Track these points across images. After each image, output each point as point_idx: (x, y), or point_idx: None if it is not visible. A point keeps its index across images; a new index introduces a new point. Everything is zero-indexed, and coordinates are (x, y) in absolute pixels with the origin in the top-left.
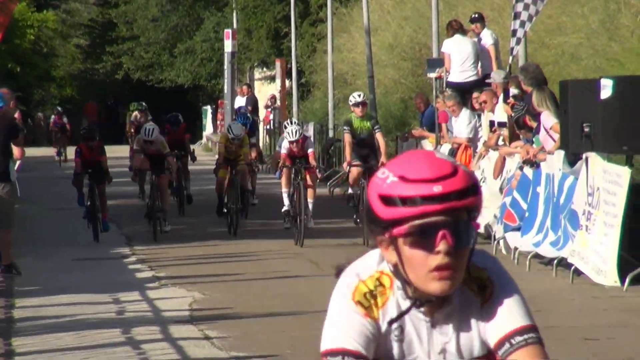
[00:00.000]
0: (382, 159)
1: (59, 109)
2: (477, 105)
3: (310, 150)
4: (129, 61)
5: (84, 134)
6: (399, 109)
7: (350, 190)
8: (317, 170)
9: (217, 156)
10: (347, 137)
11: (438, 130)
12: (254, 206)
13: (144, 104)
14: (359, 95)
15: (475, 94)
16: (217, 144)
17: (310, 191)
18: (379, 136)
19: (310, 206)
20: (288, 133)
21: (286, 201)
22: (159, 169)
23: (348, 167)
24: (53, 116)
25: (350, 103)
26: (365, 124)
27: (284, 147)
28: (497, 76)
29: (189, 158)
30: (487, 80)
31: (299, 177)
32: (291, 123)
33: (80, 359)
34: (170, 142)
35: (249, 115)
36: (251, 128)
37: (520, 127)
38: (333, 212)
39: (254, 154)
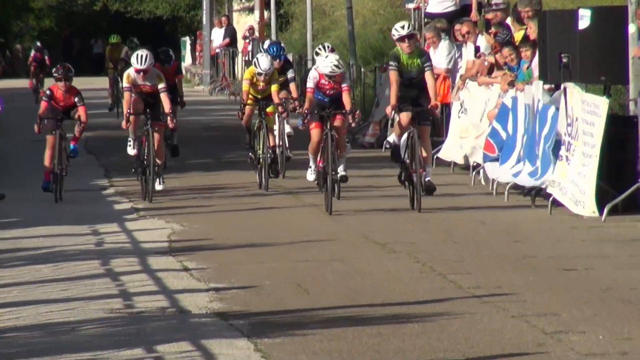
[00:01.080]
0: (433, 101)
1: (39, 44)
2: (459, 38)
3: (345, 86)
4: None
5: (59, 74)
6: (378, 40)
7: (391, 138)
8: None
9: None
10: (394, 76)
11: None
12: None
13: (135, 40)
14: (403, 27)
15: (457, 26)
16: (242, 81)
17: (341, 144)
18: (428, 75)
19: (342, 165)
20: (327, 65)
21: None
22: (155, 113)
23: (393, 112)
24: (33, 51)
25: (394, 37)
26: (415, 60)
27: (313, 81)
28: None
29: (179, 104)
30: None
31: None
32: (325, 48)
33: (59, 291)
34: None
35: (282, 44)
36: (286, 59)
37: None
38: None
39: (284, 94)
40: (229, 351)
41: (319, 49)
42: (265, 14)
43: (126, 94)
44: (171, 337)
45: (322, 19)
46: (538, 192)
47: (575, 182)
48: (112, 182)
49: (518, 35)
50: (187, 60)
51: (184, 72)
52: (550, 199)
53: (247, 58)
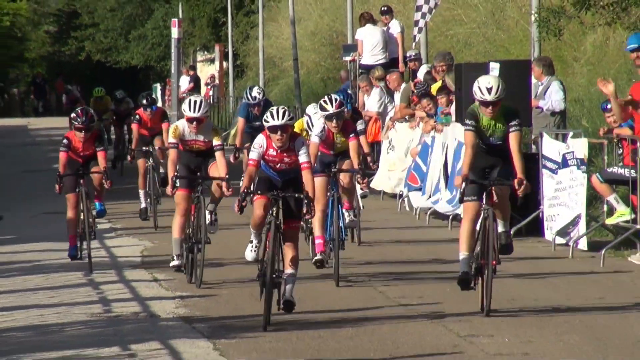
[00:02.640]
0: (520, 174)
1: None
2: (391, 86)
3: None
4: (90, 45)
5: (80, 123)
6: (320, 87)
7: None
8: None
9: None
10: (469, 138)
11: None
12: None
13: (121, 92)
14: (490, 90)
15: (387, 76)
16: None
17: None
18: (513, 138)
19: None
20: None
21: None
22: (204, 175)
23: (464, 184)
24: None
25: (476, 97)
26: (498, 121)
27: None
28: (412, 53)
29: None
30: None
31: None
32: (328, 102)
33: (48, 297)
34: (146, 132)
35: (350, 92)
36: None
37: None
38: None
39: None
40: (192, 350)
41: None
42: (224, 64)
43: (172, 153)
44: (143, 337)
45: (272, 69)
46: (455, 217)
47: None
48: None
49: (435, 86)
50: (158, 103)
51: None
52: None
53: (209, 101)
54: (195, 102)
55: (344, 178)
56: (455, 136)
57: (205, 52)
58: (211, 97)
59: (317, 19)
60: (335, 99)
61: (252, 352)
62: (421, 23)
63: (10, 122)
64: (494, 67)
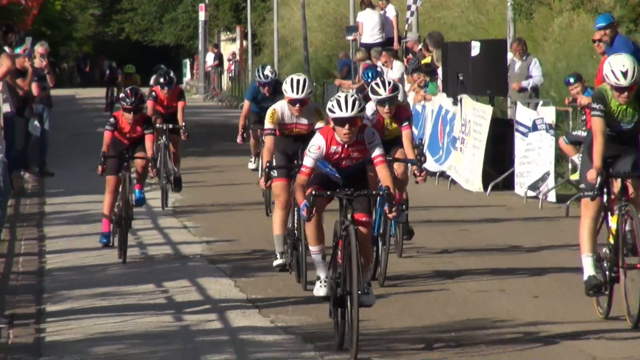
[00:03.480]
0: None
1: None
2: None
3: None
4: (129, 26)
5: (130, 104)
6: (325, 62)
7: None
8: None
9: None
10: (598, 124)
11: (354, 77)
12: None
13: (162, 66)
14: (626, 73)
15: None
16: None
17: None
18: None
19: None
20: (378, 86)
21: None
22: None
23: (599, 178)
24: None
25: (608, 81)
26: (629, 108)
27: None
28: (412, 36)
29: (179, 134)
30: (403, 40)
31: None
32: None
33: (93, 242)
34: (162, 109)
35: (379, 69)
36: None
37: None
38: None
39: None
40: (215, 287)
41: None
42: (244, 43)
43: (268, 140)
44: (174, 276)
45: (285, 47)
46: (441, 174)
47: (467, 166)
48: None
49: (425, 61)
50: (187, 76)
51: (184, 84)
52: (449, 178)
53: (230, 75)
54: (298, 81)
55: (398, 168)
56: (443, 105)
57: (228, 32)
58: (233, 71)
59: (324, 3)
60: (389, 82)
61: (267, 288)
62: (413, 8)
63: (60, 92)
64: (475, 46)
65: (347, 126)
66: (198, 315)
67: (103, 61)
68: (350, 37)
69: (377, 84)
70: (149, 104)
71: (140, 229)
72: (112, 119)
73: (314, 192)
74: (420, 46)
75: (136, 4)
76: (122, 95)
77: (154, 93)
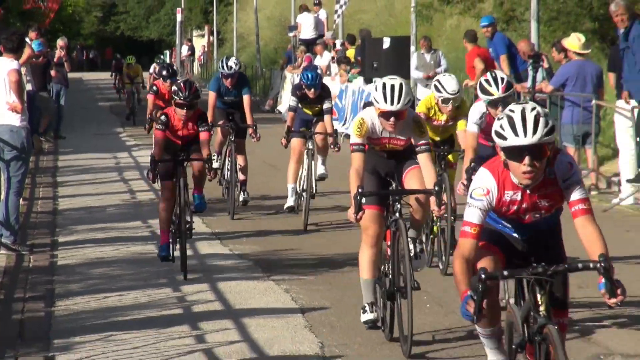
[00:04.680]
0: None
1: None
2: (318, 52)
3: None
4: (123, 25)
5: (183, 98)
6: (272, 53)
7: None
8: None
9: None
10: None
11: (294, 62)
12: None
13: (162, 56)
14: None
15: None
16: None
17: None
18: None
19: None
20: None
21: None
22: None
23: None
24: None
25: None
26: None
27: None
28: (328, 34)
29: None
30: (323, 39)
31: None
32: (492, 82)
33: (94, 187)
34: (162, 103)
35: (319, 70)
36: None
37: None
38: None
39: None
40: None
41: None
42: (211, 38)
43: (356, 159)
44: (156, 215)
45: (242, 41)
46: None
47: None
48: (125, 130)
49: (349, 53)
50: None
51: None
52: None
53: (200, 63)
54: (392, 87)
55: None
56: (361, 86)
57: (198, 30)
58: (202, 60)
59: (272, 8)
60: (502, 79)
61: (226, 225)
62: (339, 11)
63: (70, 75)
64: (386, 41)
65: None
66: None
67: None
68: (291, 34)
69: (487, 81)
70: (149, 97)
71: (131, 179)
72: (162, 117)
73: (482, 275)
74: (340, 42)
75: (129, 8)
76: (174, 89)
77: (154, 87)
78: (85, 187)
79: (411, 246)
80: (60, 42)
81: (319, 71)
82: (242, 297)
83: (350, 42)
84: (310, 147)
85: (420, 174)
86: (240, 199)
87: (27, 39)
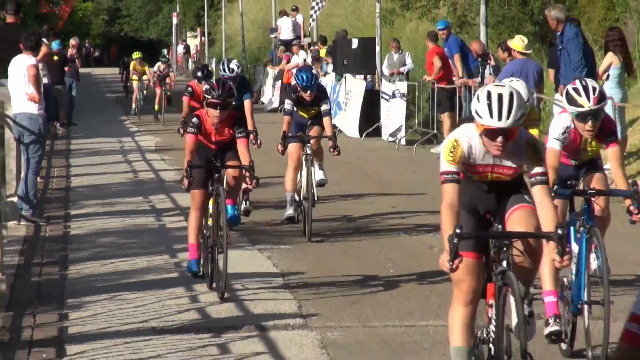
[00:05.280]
0: None
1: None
2: (295, 52)
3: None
4: (127, 27)
5: (216, 96)
6: (256, 52)
7: None
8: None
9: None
10: None
11: (276, 62)
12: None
13: (166, 54)
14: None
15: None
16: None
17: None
18: None
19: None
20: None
21: None
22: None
23: None
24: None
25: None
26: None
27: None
28: (306, 40)
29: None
30: (299, 40)
31: None
32: (582, 90)
33: (103, 168)
34: (197, 104)
35: (314, 70)
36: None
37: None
38: None
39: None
40: (181, 197)
41: (577, 90)
42: (203, 38)
43: (448, 191)
44: (156, 192)
45: (229, 42)
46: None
47: (349, 121)
48: (129, 118)
49: (322, 51)
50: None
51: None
52: (337, 129)
53: (194, 60)
54: (500, 97)
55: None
56: (332, 79)
57: (192, 31)
58: (195, 57)
59: (256, 13)
60: (593, 88)
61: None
62: (314, 16)
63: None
64: (355, 41)
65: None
66: (171, 217)
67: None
68: (272, 35)
69: (576, 90)
70: (184, 99)
71: (134, 160)
72: (194, 119)
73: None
74: (314, 42)
75: (131, 12)
76: (206, 87)
77: (190, 88)
78: (94, 167)
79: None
80: (72, 41)
81: (314, 71)
82: (231, 264)
83: (322, 43)
84: (309, 152)
85: (529, 215)
86: (242, 208)
87: (44, 40)
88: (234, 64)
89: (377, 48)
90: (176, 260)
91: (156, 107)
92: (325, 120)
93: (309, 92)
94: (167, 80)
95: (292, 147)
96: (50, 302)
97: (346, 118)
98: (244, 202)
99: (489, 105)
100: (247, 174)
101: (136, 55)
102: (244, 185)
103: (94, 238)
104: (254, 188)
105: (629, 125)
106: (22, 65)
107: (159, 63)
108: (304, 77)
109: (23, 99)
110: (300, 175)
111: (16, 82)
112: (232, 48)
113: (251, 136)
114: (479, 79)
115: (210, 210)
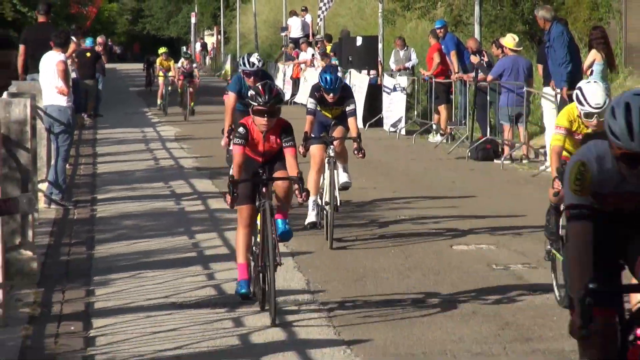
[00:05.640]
0: None
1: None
2: (303, 49)
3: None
4: (149, 26)
5: (263, 103)
6: (268, 49)
7: None
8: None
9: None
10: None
11: (286, 60)
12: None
13: (189, 52)
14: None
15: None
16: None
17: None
18: None
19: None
20: None
21: None
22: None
23: None
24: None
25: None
26: None
27: None
28: (318, 36)
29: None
30: (313, 37)
31: None
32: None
33: (127, 157)
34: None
35: (339, 72)
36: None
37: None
38: None
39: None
40: (199, 184)
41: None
42: (219, 37)
43: (579, 231)
44: (176, 177)
45: (243, 39)
46: None
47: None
48: (150, 110)
49: (328, 47)
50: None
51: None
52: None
53: (210, 56)
54: None
55: None
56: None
57: (209, 30)
58: (212, 54)
59: (267, 13)
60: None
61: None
62: (321, 16)
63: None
64: (359, 40)
65: None
66: (190, 202)
67: (137, 48)
68: (283, 33)
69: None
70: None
71: (155, 148)
72: (241, 129)
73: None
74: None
75: (153, 12)
76: (251, 93)
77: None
78: (119, 155)
79: None
80: (99, 39)
81: (339, 73)
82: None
83: (328, 40)
84: (332, 154)
85: None
86: None
87: (73, 38)
88: (254, 58)
89: (380, 45)
90: (194, 241)
91: (181, 104)
92: (351, 120)
93: (332, 94)
94: (192, 76)
95: (315, 149)
96: (77, 279)
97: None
98: None
99: (629, 125)
100: (297, 186)
101: (162, 50)
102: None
103: (118, 220)
104: (304, 202)
105: None
106: (52, 61)
107: (183, 59)
108: (328, 79)
109: (53, 92)
110: (323, 178)
111: (47, 76)
112: (246, 45)
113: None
114: (473, 74)
115: (258, 226)
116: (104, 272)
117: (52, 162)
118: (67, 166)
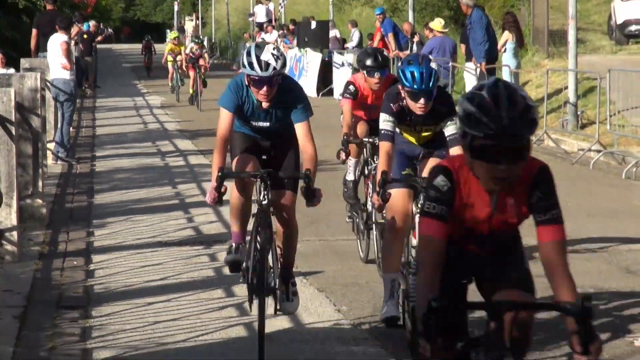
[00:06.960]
0: None
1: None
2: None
3: None
4: (139, 12)
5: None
6: (238, 32)
7: None
8: None
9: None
10: None
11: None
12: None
13: (200, 37)
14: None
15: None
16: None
17: None
18: None
19: None
20: None
21: None
22: None
23: None
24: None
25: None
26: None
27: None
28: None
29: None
30: (272, 23)
31: None
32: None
33: (121, 119)
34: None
35: (432, 64)
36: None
37: (286, 36)
38: None
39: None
40: (182, 144)
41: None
42: (197, 22)
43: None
44: (163, 139)
45: (218, 24)
46: None
47: (309, 84)
48: (140, 82)
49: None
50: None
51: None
52: None
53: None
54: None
55: None
56: (296, 52)
57: (189, 16)
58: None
59: (238, 1)
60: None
61: (209, 145)
62: (282, 4)
63: (102, 46)
64: (313, 23)
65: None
66: (173, 158)
67: (128, 31)
68: (250, 19)
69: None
70: (344, 105)
71: (144, 114)
72: (350, 87)
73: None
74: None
75: (142, 1)
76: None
77: (351, 87)
78: (114, 119)
79: None
80: (91, 23)
81: (432, 64)
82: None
83: (293, 24)
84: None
85: None
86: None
87: (75, 21)
88: (268, 54)
89: (331, 30)
90: (176, 190)
91: (191, 90)
92: (453, 152)
93: (423, 100)
94: (201, 62)
95: (397, 197)
96: (79, 222)
97: (306, 82)
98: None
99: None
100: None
101: (174, 34)
102: None
103: (113, 174)
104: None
105: (522, 86)
106: (57, 41)
107: (192, 44)
108: (417, 74)
109: (58, 67)
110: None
111: (53, 54)
112: (220, 29)
113: None
114: (407, 52)
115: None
116: (101, 217)
117: (59, 125)
118: (71, 129)
